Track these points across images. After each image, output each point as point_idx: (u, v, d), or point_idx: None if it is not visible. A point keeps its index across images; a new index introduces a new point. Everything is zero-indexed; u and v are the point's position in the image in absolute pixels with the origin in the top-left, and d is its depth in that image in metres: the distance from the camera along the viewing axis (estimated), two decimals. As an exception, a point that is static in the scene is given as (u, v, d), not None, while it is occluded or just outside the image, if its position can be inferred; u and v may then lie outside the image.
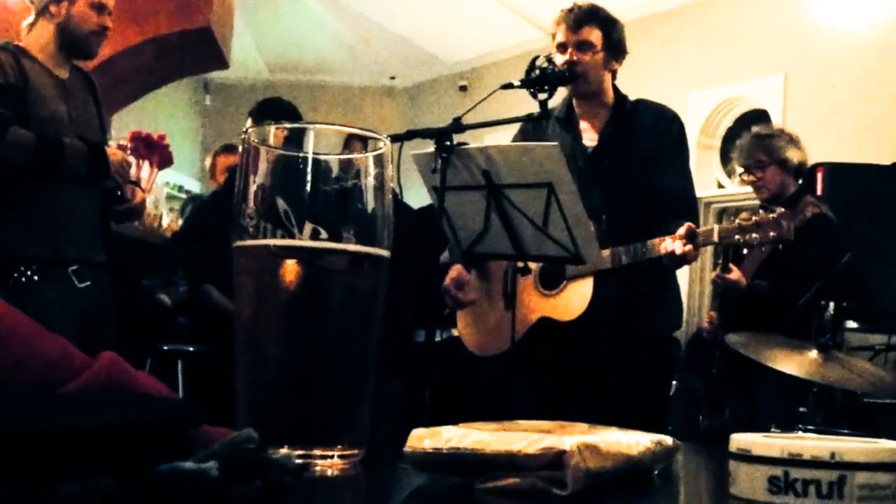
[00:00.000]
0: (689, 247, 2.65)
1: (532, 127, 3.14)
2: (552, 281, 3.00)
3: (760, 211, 2.64)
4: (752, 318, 3.81)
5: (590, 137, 3.11)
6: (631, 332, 2.95)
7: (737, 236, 2.65)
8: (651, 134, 3.06)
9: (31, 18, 3.11)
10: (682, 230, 2.67)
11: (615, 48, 3.06)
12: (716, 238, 2.71)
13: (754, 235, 2.61)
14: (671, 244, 2.67)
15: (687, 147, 3.16)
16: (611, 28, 3.05)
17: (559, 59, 2.98)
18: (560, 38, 3.02)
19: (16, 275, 2.89)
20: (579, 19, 3.01)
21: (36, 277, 2.91)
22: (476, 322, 3.23)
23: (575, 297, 2.92)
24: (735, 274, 3.87)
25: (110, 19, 3.14)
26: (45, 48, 3.05)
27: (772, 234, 2.59)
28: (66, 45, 3.07)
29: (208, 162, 6.21)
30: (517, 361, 3.10)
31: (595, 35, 3.01)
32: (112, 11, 3.16)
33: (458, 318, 3.30)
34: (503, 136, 3.30)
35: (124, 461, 0.57)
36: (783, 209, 2.62)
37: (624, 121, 3.08)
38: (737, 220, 2.66)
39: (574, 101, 3.14)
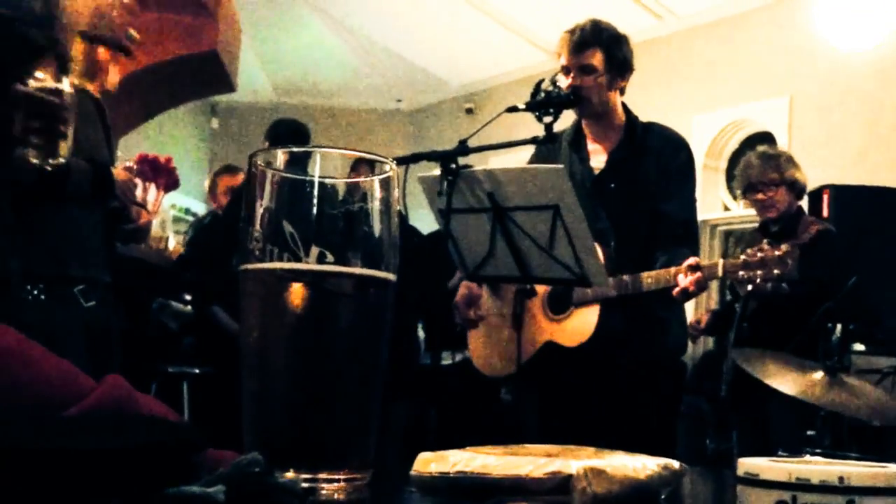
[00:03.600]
0: (697, 274, 2.66)
1: (546, 150, 3.14)
2: (560, 305, 3.00)
3: (766, 246, 2.64)
4: (767, 335, 3.80)
5: (598, 160, 3.10)
6: (637, 355, 2.95)
7: (741, 272, 2.65)
8: (659, 159, 3.05)
9: None
10: (689, 261, 2.68)
11: (619, 67, 3.05)
12: (720, 273, 2.71)
13: (759, 272, 2.62)
14: (683, 280, 2.67)
15: (694, 175, 3.16)
16: (614, 48, 3.04)
17: (564, 82, 2.99)
18: (563, 61, 3.03)
19: (21, 294, 2.89)
20: (581, 42, 3.01)
21: (42, 297, 2.91)
22: (486, 342, 3.22)
23: (580, 324, 2.92)
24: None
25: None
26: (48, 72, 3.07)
27: (776, 271, 2.60)
28: (60, 65, 3.08)
29: (207, 182, 6.27)
30: (524, 384, 3.10)
31: (597, 58, 3.01)
32: None
33: (469, 337, 3.29)
34: (509, 159, 3.32)
35: (131, 485, 0.57)
36: (788, 246, 2.62)
37: (633, 145, 3.07)
38: (742, 256, 2.66)
39: (583, 123, 3.14)
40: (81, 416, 0.65)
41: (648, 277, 2.78)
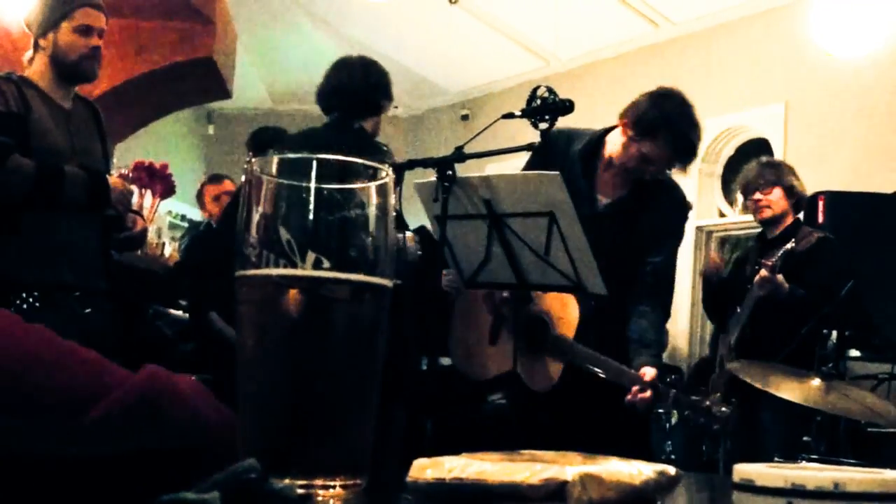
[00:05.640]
0: (647, 394, 2.73)
1: (543, 157, 3.13)
2: (534, 342, 3.01)
3: (713, 399, 2.72)
4: (769, 340, 3.81)
5: (603, 193, 3.10)
6: (598, 403, 2.97)
7: (687, 411, 2.75)
8: (658, 215, 3.08)
9: (30, 53, 3.14)
10: (648, 375, 2.75)
11: None
12: (670, 402, 2.79)
13: (702, 419, 2.74)
14: (635, 394, 2.76)
15: (683, 233, 3.28)
16: None
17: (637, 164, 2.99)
18: (651, 156, 2.98)
19: (17, 302, 2.89)
20: (680, 157, 3.02)
21: (37, 304, 2.91)
22: (465, 347, 3.27)
23: (545, 374, 2.97)
24: (780, 276, 3.87)
25: (100, 39, 3.13)
26: (45, 80, 3.08)
27: (715, 427, 2.72)
28: (62, 74, 3.09)
29: (195, 191, 6.33)
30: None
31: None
32: (103, 30, 3.15)
33: (450, 333, 3.32)
34: (505, 166, 3.33)
35: (127, 491, 0.57)
36: (730, 409, 2.71)
37: (641, 192, 3.07)
38: (693, 397, 2.75)
39: (605, 152, 3.11)
40: (79, 423, 0.65)
41: (609, 364, 2.83)
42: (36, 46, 3.10)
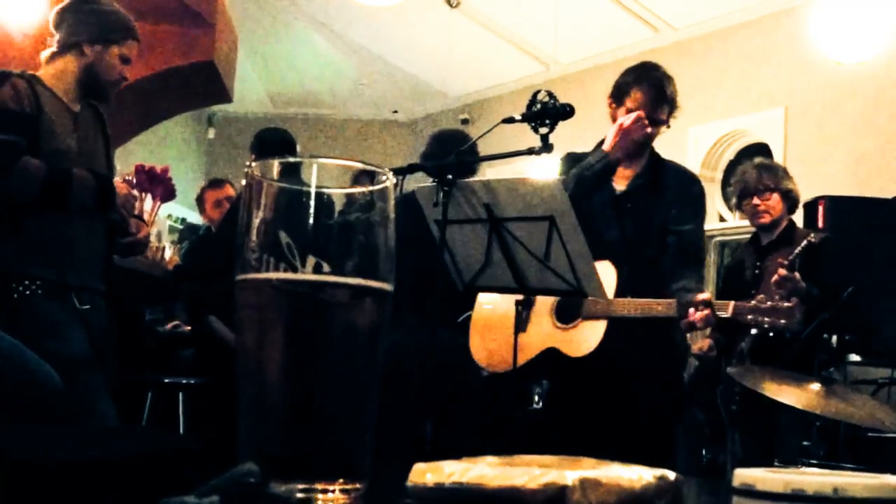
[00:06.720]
0: (706, 311, 2.75)
1: (577, 156, 3.27)
2: (568, 315, 3.05)
3: (776, 297, 2.73)
4: (778, 345, 3.79)
5: (620, 181, 3.21)
6: (638, 369, 2.99)
7: (749, 316, 2.73)
8: (675, 190, 3.23)
9: (53, 49, 3.14)
10: (702, 297, 2.78)
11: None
12: (730, 313, 2.80)
13: (766, 319, 2.70)
14: (693, 314, 2.77)
15: (705, 206, 3.37)
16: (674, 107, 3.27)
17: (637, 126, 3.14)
18: (637, 107, 3.17)
19: (20, 289, 2.89)
20: (661, 99, 3.20)
21: (40, 292, 2.92)
22: (487, 337, 3.26)
23: (586, 336, 2.96)
24: (797, 275, 3.82)
25: (129, 69, 3.24)
26: (64, 82, 3.09)
27: (782, 321, 2.69)
28: (85, 85, 3.13)
29: (195, 194, 6.36)
30: (520, 386, 3.15)
31: (666, 112, 3.23)
32: (132, 62, 3.26)
33: (470, 333, 3.32)
34: (505, 170, 3.34)
35: (127, 495, 0.57)
36: (798, 300, 2.70)
37: (654, 174, 3.25)
38: (753, 301, 2.74)
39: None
40: (78, 427, 0.65)
41: (659, 305, 2.85)
42: (72, 48, 3.11)
